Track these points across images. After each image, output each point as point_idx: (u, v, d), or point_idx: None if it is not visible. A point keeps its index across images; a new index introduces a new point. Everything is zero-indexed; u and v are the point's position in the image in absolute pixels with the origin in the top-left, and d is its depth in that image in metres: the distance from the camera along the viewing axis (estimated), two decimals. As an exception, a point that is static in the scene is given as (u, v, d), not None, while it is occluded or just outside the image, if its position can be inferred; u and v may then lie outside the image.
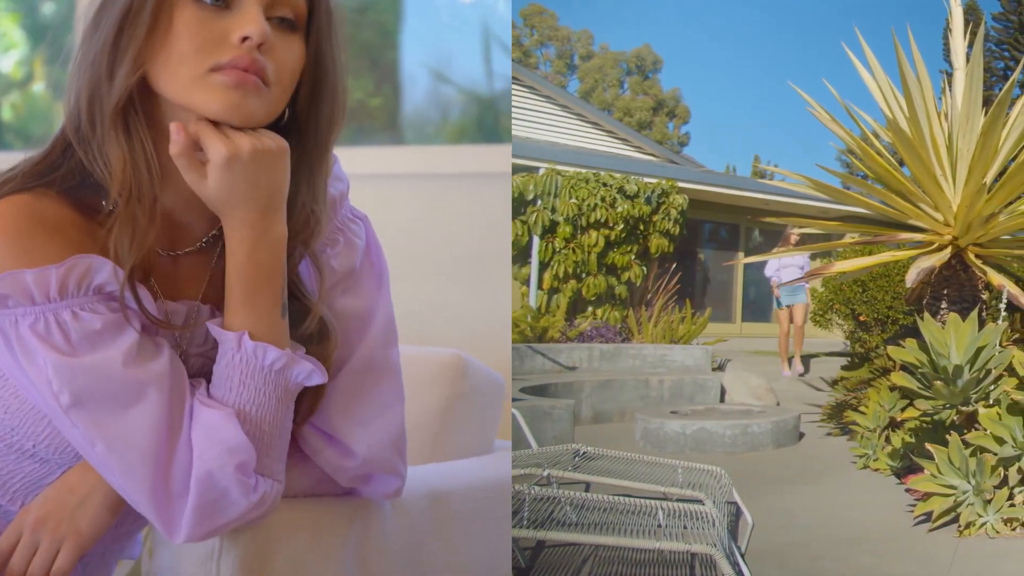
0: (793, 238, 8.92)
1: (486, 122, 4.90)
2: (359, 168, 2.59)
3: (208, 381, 2.13)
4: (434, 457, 3.20)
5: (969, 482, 4.70)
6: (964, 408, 5.03)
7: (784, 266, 9.09)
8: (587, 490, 4.87)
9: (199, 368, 2.19)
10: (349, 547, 2.36)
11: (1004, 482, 4.68)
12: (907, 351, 5.17)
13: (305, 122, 2.15)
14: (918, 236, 6.25)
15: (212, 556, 2.11)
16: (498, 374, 3.49)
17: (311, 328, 2.19)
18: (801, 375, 9.10)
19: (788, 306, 9.12)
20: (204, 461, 2.01)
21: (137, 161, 2.00)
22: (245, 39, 1.97)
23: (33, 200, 2.02)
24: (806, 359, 9.28)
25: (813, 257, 9.20)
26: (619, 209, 10.28)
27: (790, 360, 9.18)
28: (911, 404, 5.37)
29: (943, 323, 5.21)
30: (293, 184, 2.12)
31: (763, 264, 9.65)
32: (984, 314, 6.00)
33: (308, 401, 2.22)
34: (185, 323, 2.19)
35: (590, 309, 10.40)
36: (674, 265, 10.64)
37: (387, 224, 2.51)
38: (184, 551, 2.13)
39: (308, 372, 2.12)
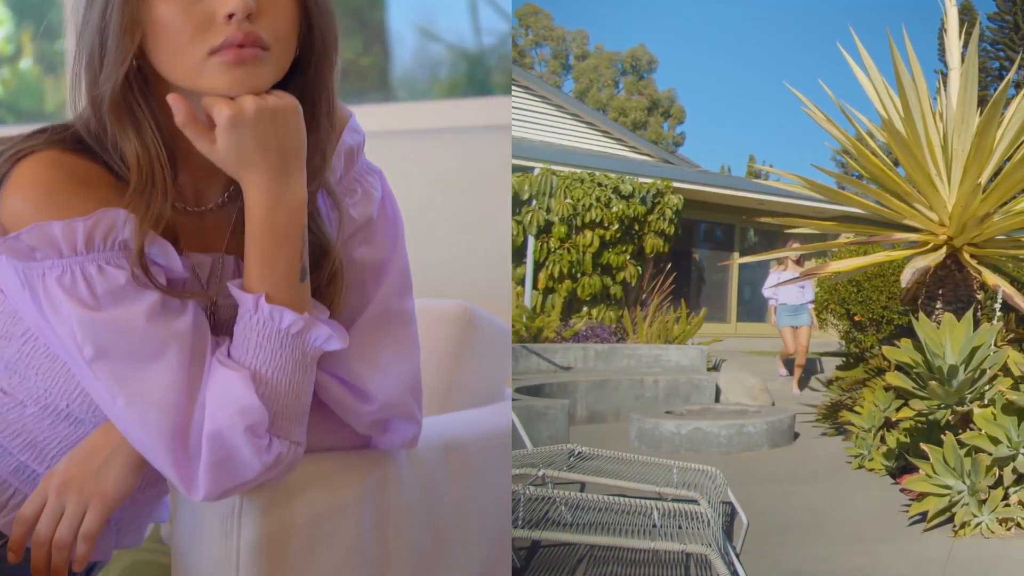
0: (792, 258, 8.98)
1: (476, 77, 4.90)
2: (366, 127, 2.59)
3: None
4: (445, 408, 3.22)
5: (964, 482, 4.70)
6: (959, 408, 5.04)
7: (784, 286, 9.06)
8: (582, 490, 4.87)
9: (229, 317, 2.20)
10: (366, 500, 2.39)
11: (999, 482, 4.69)
12: (902, 351, 5.17)
13: (304, 65, 2.14)
14: (913, 236, 6.26)
15: (232, 514, 2.12)
16: (504, 323, 3.50)
17: (332, 273, 2.21)
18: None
19: (793, 327, 9.05)
20: (215, 420, 2.01)
21: (149, 151, 2.02)
22: (231, 16, 1.96)
23: (62, 155, 2.03)
24: (810, 361, 9.30)
25: (807, 257, 9.21)
26: (614, 209, 10.29)
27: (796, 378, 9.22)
28: (906, 404, 5.38)
29: (938, 323, 5.22)
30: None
31: (758, 264, 9.66)
32: (979, 314, 6.01)
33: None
34: (211, 274, 2.20)
35: (585, 309, 10.42)
36: (669, 265, 10.66)
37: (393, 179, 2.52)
38: (204, 511, 2.14)
39: (327, 337, 2.13)
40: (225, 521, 2.12)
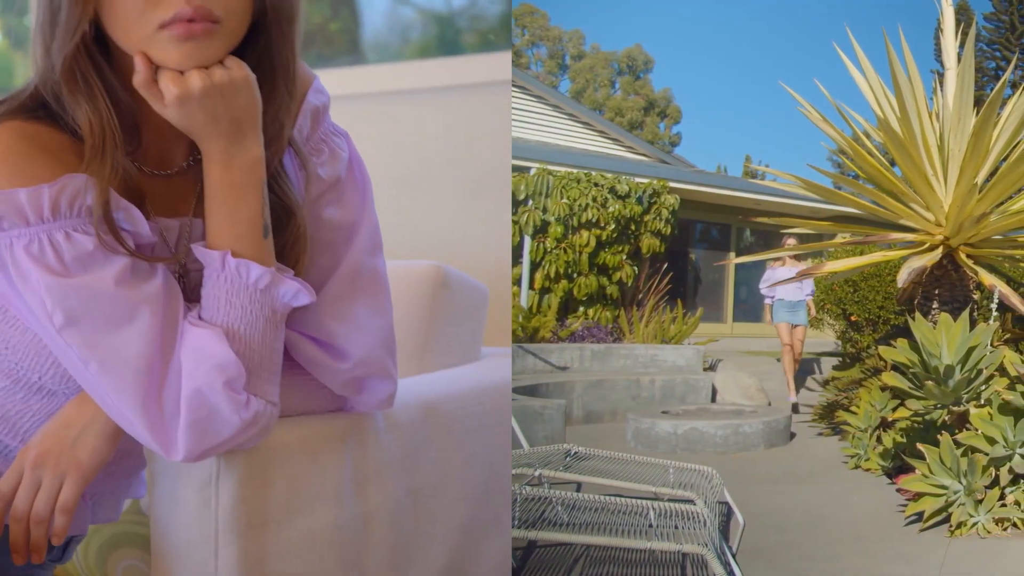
0: (788, 257, 8.86)
1: (447, 37, 4.88)
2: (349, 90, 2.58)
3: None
4: (422, 369, 3.23)
5: (960, 482, 4.70)
6: (955, 408, 5.04)
7: (781, 283, 8.96)
8: (578, 490, 4.87)
9: (199, 283, 2.18)
10: (346, 463, 2.40)
11: (995, 482, 4.69)
12: (898, 351, 5.17)
13: (260, 33, 2.14)
14: (909, 236, 6.26)
15: (210, 482, 2.12)
16: (481, 283, 3.50)
17: (295, 233, 2.21)
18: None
19: (791, 324, 8.92)
20: (193, 379, 2.01)
21: (101, 117, 2.02)
22: None
23: (23, 124, 2.03)
24: (805, 362, 9.29)
25: (803, 257, 9.20)
26: (610, 209, 10.29)
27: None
28: (902, 404, 5.38)
29: (934, 323, 5.21)
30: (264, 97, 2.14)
31: (754, 265, 9.65)
32: (975, 314, 6.01)
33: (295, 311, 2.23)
34: (179, 238, 2.20)
35: (581, 309, 10.42)
36: (665, 265, 10.66)
37: (386, 142, 2.51)
38: (181, 481, 2.15)
39: (295, 292, 2.13)
40: (203, 490, 2.13)
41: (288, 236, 2.20)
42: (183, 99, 2.00)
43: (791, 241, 8.69)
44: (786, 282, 8.37)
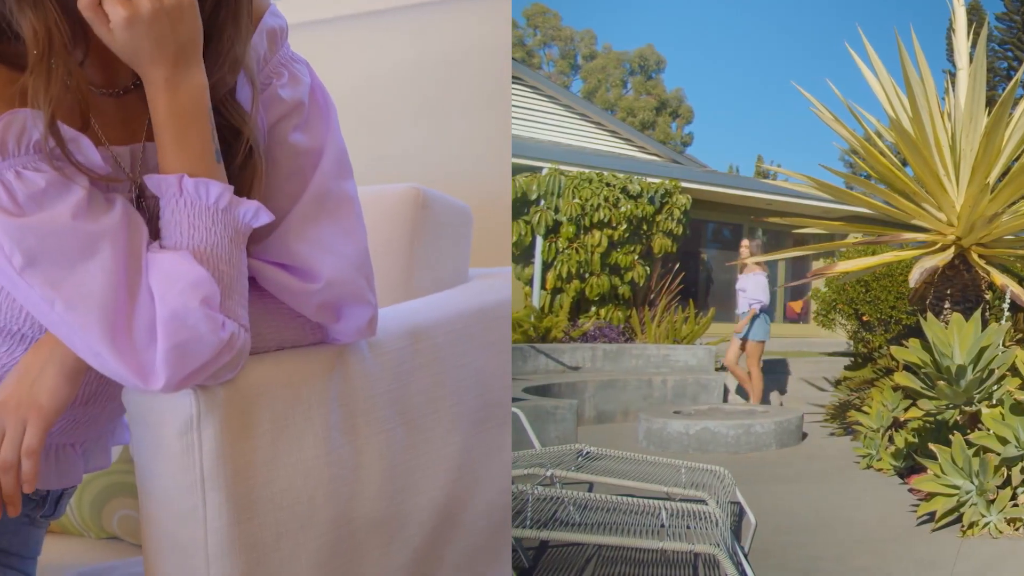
0: (744, 252, 8.81)
1: None
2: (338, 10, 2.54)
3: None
4: (407, 296, 3.16)
5: (972, 482, 4.70)
6: (967, 408, 5.04)
7: (740, 289, 8.80)
8: (590, 490, 4.88)
9: (157, 211, 2.15)
10: (332, 397, 2.36)
11: (1007, 482, 4.68)
12: (910, 351, 5.17)
13: None
14: (921, 236, 6.26)
15: (192, 426, 2.09)
16: (463, 202, 3.45)
17: (246, 152, 2.18)
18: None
19: (742, 339, 8.61)
20: (167, 301, 1.98)
21: (47, 23, 1.97)
22: None
23: None
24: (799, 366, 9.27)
25: (816, 257, 9.17)
26: (622, 209, 10.29)
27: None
28: (914, 404, 5.38)
29: (946, 323, 5.22)
30: (217, 23, 2.13)
31: (768, 265, 9.63)
32: (987, 314, 6.00)
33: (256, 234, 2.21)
34: (132, 165, 2.17)
35: (593, 309, 10.41)
36: (677, 265, 10.65)
37: (376, 62, 2.48)
38: (162, 426, 2.11)
39: (255, 210, 2.11)
40: (184, 435, 2.10)
41: (239, 156, 2.18)
42: (131, 22, 1.97)
43: (747, 244, 8.77)
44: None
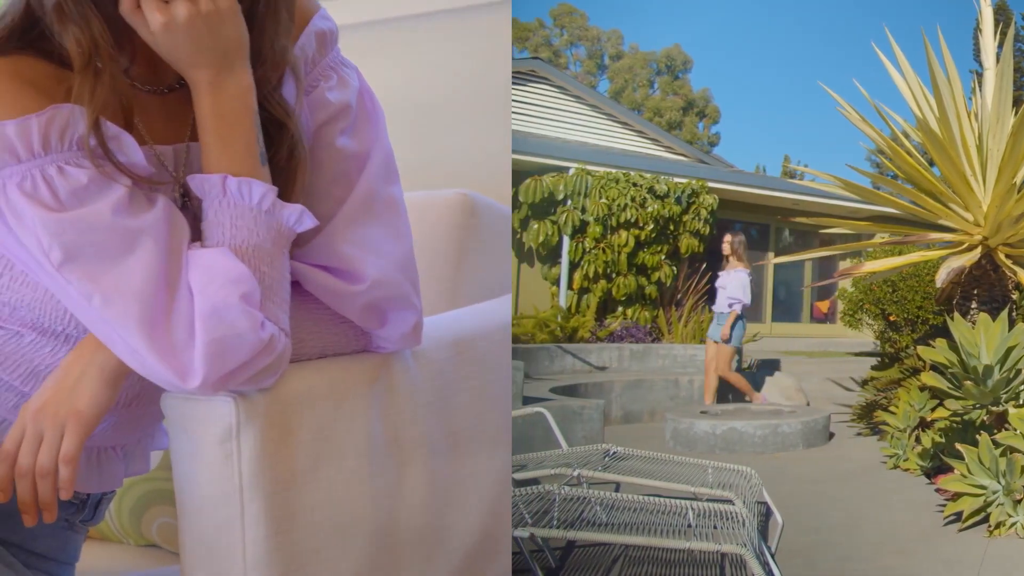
0: (726, 247, 8.48)
1: None
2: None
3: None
4: (453, 304, 3.14)
5: (999, 482, 4.70)
6: (994, 408, 5.04)
7: (720, 286, 8.46)
8: (617, 490, 4.88)
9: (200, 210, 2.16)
10: (374, 407, 2.33)
11: (1034, 482, 4.69)
12: (937, 351, 5.17)
13: None
14: (948, 236, 6.25)
15: (232, 434, 2.07)
16: (503, 205, 3.42)
17: (290, 146, 2.18)
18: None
19: (715, 341, 8.25)
20: (207, 297, 1.98)
21: (93, 36, 1.99)
22: None
23: (7, 61, 2.01)
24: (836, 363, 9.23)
25: (843, 257, 9.14)
26: (649, 209, 10.28)
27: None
28: (941, 404, 5.38)
29: (973, 323, 5.21)
30: (256, 19, 2.13)
31: (793, 265, 9.60)
32: (1014, 314, 5.99)
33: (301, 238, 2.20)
34: (175, 165, 2.18)
35: (620, 309, 10.40)
36: (704, 265, 10.64)
37: (382, 71, 2.48)
38: (200, 434, 2.09)
39: (298, 214, 2.11)
40: (224, 443, 2.07)
41: (282, 150, 2.17)
42: (167, 27, 1.98)
43: (729, 239, 8.48)
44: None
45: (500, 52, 4.11)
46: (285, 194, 2.14)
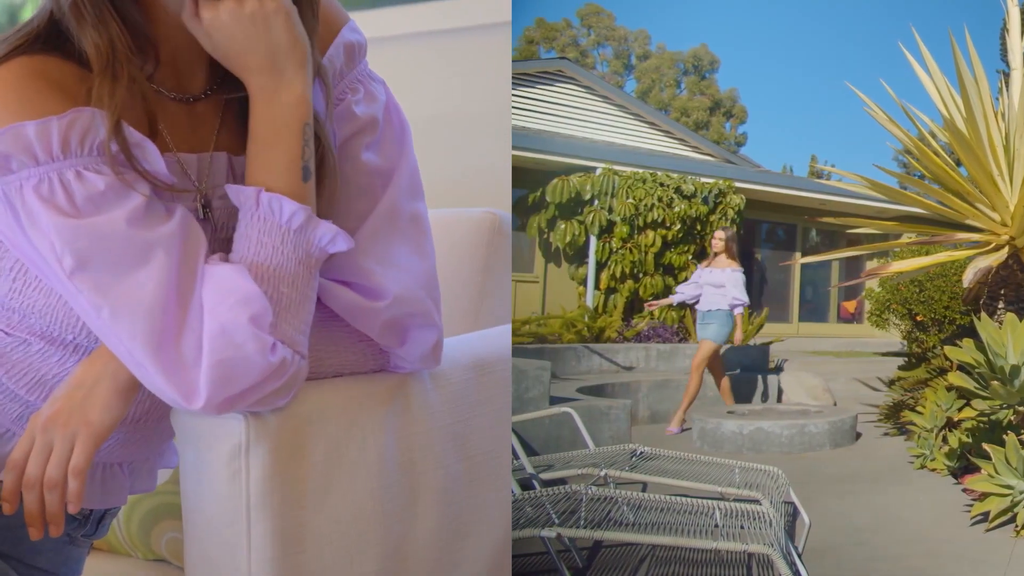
0: (718, 244, 8.14)
1: None
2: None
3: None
4: (477, 325, 3.09)
5: (1026, 482, 4.70)
6: (1021, 408, 5.03)
7: (702, 284, 8.09)
8: (644, 490, 4.89)
9: (224, 217, 2.17)
10: (390, 428, 2.29)
11: (1061, 482, 4.68)
12: (964, 351, 5.16)
13: None
14: (975, 236, 6.24)
15: (239, 452, 2.05)
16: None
17: (321, 156, 2.16)
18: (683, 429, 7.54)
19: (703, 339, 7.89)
20: (215, 315, 1.95)
21: (111, 39, 1.99)
22: None
23: (31, 59, 2.00)
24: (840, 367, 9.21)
25: (869, 257, 9.12)
26: (676, 209, 10.28)
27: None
28: (968, 404, 5.37)
29: (1000, 323, 5.20)
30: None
31: (820, 265, 9.57)
32: (1041, 314, 5.98)
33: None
34: (199, 174, 2.16)
35: (647, 309, 10.41)
36: (731, 265, 10.63)
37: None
38: (209, 450, 2.07)
39: (332, 235, 2.08)
40: (232, 461, 2.05)
41: (314, 158, 2.14)
42: (212, 27, 2.00)
43: (722, 235, 8.15)
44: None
45: (500, 73, 4.10)
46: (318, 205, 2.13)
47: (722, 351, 8.17)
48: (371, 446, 2.25)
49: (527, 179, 9.51)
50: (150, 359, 1.94)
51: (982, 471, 4.89)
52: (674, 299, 8.44)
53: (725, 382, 8.11)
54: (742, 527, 3.97)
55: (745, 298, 8.00)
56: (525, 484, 4.43)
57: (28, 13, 2.12)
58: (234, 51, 2.03)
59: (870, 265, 8.71)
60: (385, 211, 2.28)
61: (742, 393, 8.41)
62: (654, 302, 8.07)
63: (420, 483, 2.38)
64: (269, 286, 2.02)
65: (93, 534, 2.47)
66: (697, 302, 8.14)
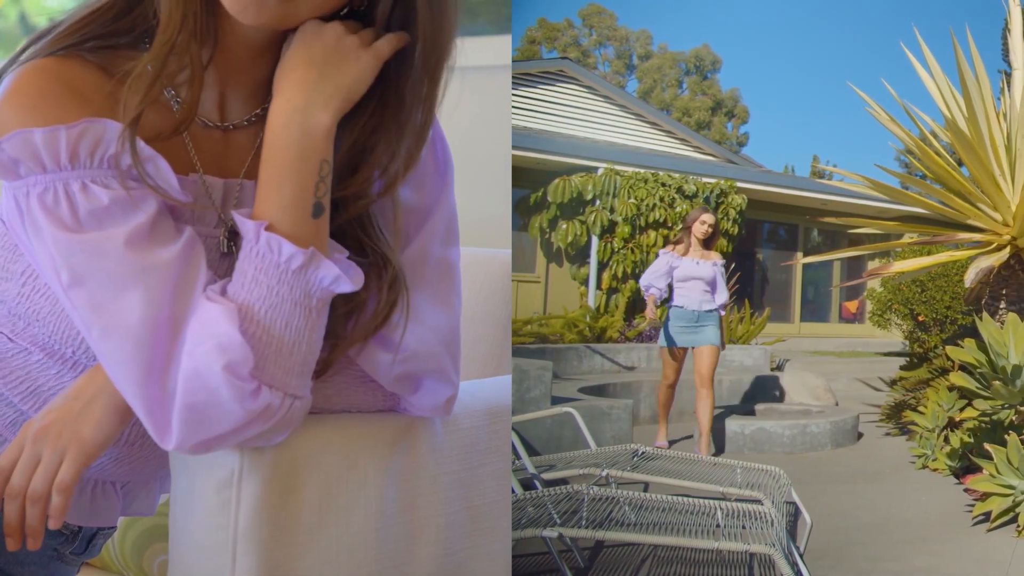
0: (699, 235, 7.16)
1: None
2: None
3: None
4: (500, 368, 3.02)
5: (1028, 482, 4.70)
6: (1022, 408, 5.03)
7: (680, 277, 7.15)
8: (646, 490, 4.89)
9: None
10: (392, 470, 2.21)
11: (1063, 482, 4.68)
12: (966, 351, 5.16)
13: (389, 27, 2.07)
14: (977, 236, 6.24)
15: (232, 482, 1.98)
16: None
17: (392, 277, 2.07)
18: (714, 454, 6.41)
19: (682, 348, 7.06)
20: (192, 357, 1.88)
21: (186, 14, 1.91)
22: None
23: (58, 63, 1.95)
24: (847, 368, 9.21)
25: (871, 257, 9.12)
26: (678, 209, 10.27)
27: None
28: (970, 404, 5.37)
29: (1002, 323, 5.20)
30: (363, 136, 2.05)
31: (822, 265, 9.57)
32: (1043, 314, 5.98)
33: (359, 314, 2.09)
34: (224, 199, 2.10)
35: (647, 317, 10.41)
36: (733, 265, 10.62)
37: None
38: (200, 476, 2.01)
39: (334, 277, 1.96)
40: (222, 490, 1.99)
41: (382, 283, 2.06)
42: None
43: (708, 219, 7.25)
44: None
45: (501, 115, 4.08)
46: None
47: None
48: (370, 485, 2.17)
49: (528, 179, 9.52)
50: (133, 388, 1.90)
51: (984, 471, 4.89)
52: (656, 296, 7.17)
53: (707, 406, 6.92)
54: (744, 527, 3.97)
55: (726, 295, 7.31)
56: (527, 484, 4.43)
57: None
58: (288, 63, 1.97)
59: (872, 265, 8.71)
60: (414, 257, 2.17)
61: (743, 393, 8.40)
62: (647, 314, 7.17)
63: (419, 529, 2.30)
64: (257, 327, 1.93)
65: (83, 552, 2.42)
66: (669, 296, 7.14)
